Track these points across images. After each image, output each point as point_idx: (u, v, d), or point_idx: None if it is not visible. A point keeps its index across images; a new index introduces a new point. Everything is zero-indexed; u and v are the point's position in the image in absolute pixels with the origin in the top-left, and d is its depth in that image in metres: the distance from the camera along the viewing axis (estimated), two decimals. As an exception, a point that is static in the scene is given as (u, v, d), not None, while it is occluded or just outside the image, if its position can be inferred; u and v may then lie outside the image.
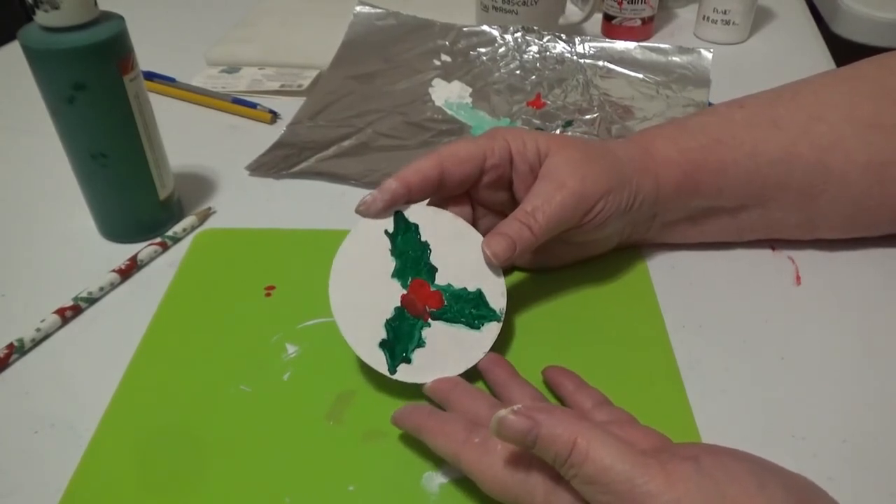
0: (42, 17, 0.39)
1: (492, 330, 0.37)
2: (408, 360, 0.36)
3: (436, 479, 0.33)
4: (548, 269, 0.44)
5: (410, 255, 0.38)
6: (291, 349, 0.40)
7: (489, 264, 0.38)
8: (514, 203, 0.41)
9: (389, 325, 0.37)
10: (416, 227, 0.38)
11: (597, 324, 0.41)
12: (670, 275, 0.44)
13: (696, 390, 0.37)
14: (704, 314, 0.42)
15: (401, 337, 0.36)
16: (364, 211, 0.37)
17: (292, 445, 0.35)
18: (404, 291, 0.37)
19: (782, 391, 0.37)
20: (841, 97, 0.43)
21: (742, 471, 0.25)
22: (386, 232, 0.38)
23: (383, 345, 0.36)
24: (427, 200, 0.40)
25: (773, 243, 0.46)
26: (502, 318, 0.38)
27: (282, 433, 0.35)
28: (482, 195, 0.41)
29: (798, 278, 0.44)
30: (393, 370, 0.36)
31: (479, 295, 0.38)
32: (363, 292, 0.37)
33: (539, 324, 0.41)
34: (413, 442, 0.34)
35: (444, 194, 0.39)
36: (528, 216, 0.37)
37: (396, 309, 0.37)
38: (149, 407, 0.37)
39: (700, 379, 0.38)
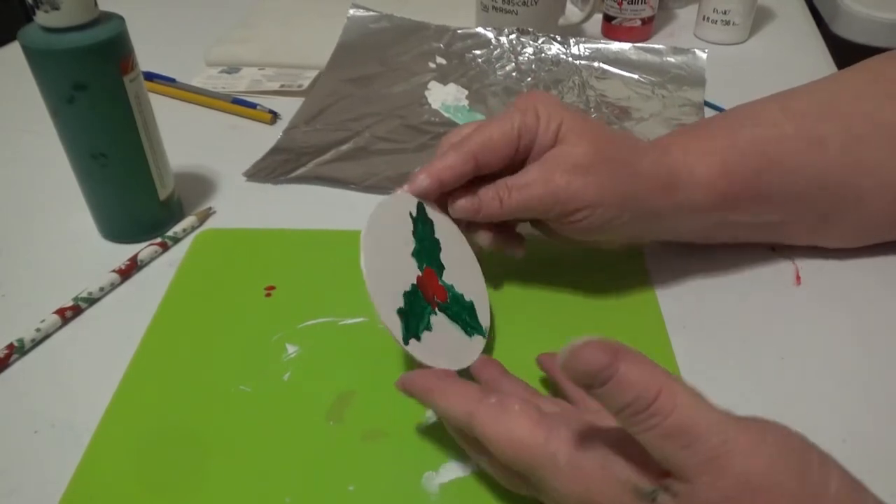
0: (42, 17, 0.39)
1: (478, 343, 0.38)
2: (417, 338, 0.37)
3: (436, 479, 0.33)
4: (551, 240, 0.42)
5: (426, 244, 0.39)
6: (291, 349, 0.40)
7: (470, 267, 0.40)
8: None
9: (407, 297, 0.37)
10: (432, 223, 0.39)
11: (597, 324, 0.41)
12: (670, 275, 0.44)
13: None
14: (704, 314, 0.42)
15: (414, 312, 0.37)
16: (415, 190, 0.38)
17: (292, 445, 0.35)
18: (419, 273, 0.38)
19: (782, 391, 0.37)
20: (885, 114, 0.41)
21: (801, 444, 0.25)
22: (410, 214, 0.39)
23: (400, 312, 0.37)
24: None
25: (774, 244, 0.46)
26: (486, 337, 0.39)
27: (282, 433, 0.35)
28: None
29: (798, 278, 0.44)
30: (406, 341, 0.36)
31: (472, 306, 0.39)
32: (389, 260, 0.37)
33: (538, 323, 0.41)
34: (413, 442, 0.35)
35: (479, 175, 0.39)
36: (505, 190, 0.38)
37: (413, 286, 0.38)
38: (149, 407, 0.37)
39: (700, 379, 0.37)
